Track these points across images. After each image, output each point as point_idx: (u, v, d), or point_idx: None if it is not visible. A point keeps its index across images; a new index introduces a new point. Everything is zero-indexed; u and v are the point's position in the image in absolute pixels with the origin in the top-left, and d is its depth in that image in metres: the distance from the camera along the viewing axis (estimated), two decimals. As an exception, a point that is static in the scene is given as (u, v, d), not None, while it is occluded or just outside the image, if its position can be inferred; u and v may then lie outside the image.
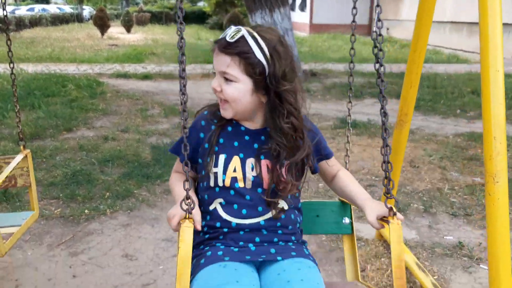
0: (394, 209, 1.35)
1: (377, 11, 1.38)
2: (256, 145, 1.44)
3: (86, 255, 2.73)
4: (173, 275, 2.52)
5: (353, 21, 1.69)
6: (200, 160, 1.46)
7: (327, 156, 1.64)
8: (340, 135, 5.35)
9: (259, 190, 1.42)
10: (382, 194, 1.41)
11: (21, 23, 24.80)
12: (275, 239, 1.43)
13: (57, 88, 7.53)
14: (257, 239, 1.41)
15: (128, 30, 23.83)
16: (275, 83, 1.35)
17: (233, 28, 1.36)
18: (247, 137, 1.46)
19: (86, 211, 3.27)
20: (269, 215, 1.43)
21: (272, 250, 1.40)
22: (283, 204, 1.45)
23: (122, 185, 3.73)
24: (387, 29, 22.71)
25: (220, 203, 1.43)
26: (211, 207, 1.44)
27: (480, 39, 1.71)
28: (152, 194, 3.60)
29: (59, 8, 41.60)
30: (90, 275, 2.52)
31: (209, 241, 1.43)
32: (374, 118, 6.10)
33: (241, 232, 1.41)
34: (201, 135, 1.46)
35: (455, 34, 16.16)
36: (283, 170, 1.41)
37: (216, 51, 1.37)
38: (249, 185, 1.41)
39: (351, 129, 1.87)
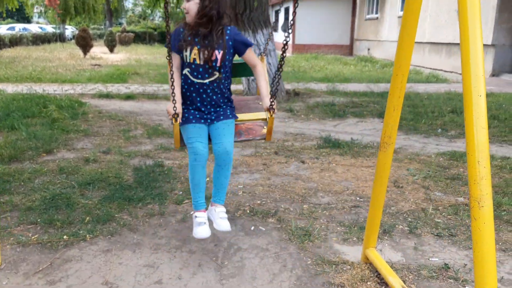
0: (271, 112, 2.77)
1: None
2: (207, 41, 2.76)
3: (64, 283, 2.63)
4: (155, 303, 2.44)
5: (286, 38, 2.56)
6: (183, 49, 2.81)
7: (246, 45, 2.87)
8: (324, 154, 5.35)
9: (206, 66, 2.76)
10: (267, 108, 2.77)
11: (1, 43, 24.58)
12: (212, 110, 2.85)
13: (38, 109, 7.42)
14: (205, 103, 2.84)
15: (111, 50, 23.80)
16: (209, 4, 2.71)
17: None
18: (200, 36, 2.78)
19: (65, 236, 3.18)
20: (210, 78, 2.80)
21: (213, 116, 2.83)
22: (218, 74, 2.80)
23: (102, 208, 3.65)
24: (368, 49, 23.11)
25: (188, 71, 2.81)
26: (184, 72, 2.82)
27: (462, 65, 1.72)
28: (134, 217, 3.52)
29: (40, 28, 41.40)
30: (68, 305, 2.43)
31: (185, 106, 2.87)
32: (357, 138, 6.13)
33: (198, 98, 2.84)
34: (181, 36, 2.79)
35: (434, 55, 16.50)
36: (218, 55, 2.76)
37: None
38: (202, 62, 2.76)
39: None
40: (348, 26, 25.61)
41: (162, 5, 17.39)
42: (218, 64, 2.77)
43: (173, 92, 2.60)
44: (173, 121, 2.69)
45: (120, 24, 53.35)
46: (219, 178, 2.84)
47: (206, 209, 2.92)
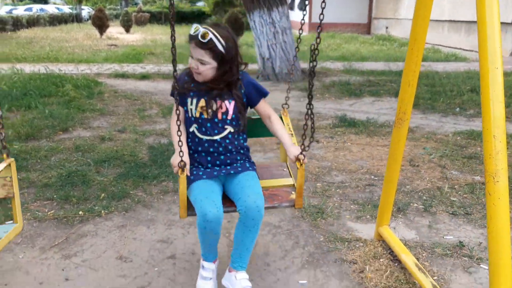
0: (301, 160, 2.21)
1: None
2: (215, 92, 2.28)
3: (79, 257, 2.68)
4: (168, 277, 2.48)
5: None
6: (186, 100, 2.31)
7: (260, 94, 2.40)
8: (339, 134, 5.30)
9: (216, 119, 2.29)
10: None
11: (18, 23, 24.76)
12: (228, 161, 2.33)
13: (54, 88, 7.48)
14: (218, 162, 2.32)
15: (127, 30, 23.77)
16: (228, 61, 2.22)
17: (201, 29, 2.16)
18: (206, 87, 2.30)
19: (80, 212, 3.22)
20: (222, 135, 2.31)
21: (228, 167, 2.33)
22: (230, 129, 2.32)
23: (118, 185, 3.69)
24: (386, 28, 22.70)
25: (195, 127, 2.32)
26: (191, 129, 2.33)
27: (478, 37, 1.66)
28: (148, 194, 3.55)
29: (57, 8, 41.53)
30: (83, 278, 2.48)
31: (192, 162, 2.34)
32: (373, 117, 6.06)
33: (209, 158, 2.32)
34: (184, 86, 2.29)
35: (454, 33, 16.13)
36: (229, 106, 2.29)
37: (193, 44, 2.19)
38: (210, 116, 2.28)
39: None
40: (366, 4, 25.13)
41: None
42: (229, 117, 2.30)
43: (179, 141, 2.11)
44: (179, 173, 2.13)
45: (136, 4, 53.23)
46: (243, 240, 2.21)
47: (216, 260, 2.36)
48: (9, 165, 2.20)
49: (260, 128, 2.59)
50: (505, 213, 1.63)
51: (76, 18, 35.54)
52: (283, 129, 2.42)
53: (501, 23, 1.93)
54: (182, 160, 2.13)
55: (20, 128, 5.13)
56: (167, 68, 10.76)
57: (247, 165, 2.38)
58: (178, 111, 2.18)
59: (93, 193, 3.55)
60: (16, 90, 7.11)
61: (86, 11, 41.51)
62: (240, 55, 2.29)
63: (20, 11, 36.39)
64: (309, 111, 2.18)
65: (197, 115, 2.29)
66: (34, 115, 5.84)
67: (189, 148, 2.35)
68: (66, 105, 6.47)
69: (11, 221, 2.62)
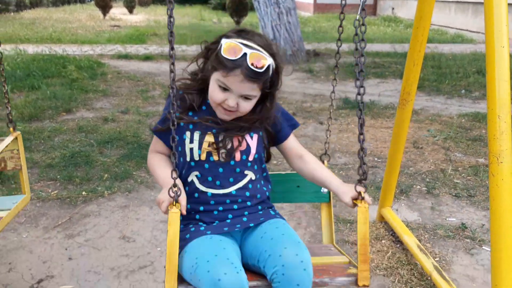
0: (363, 194, 1.47)
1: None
2: (228, 122, 1.56)
3: (82, 237, 2.70)
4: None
5: None
6: (177, 137, 1.45)
7: (291, 125, 1.71)
8: (343, 116, 5.27)
9: (232, 162, 1.55)
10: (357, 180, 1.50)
11: (21, 4, 24.54)
12: (246, 212, 1.58)
13: (57, 69, 7.45)
14: (230, 215, 1.56)
15: (131, 11, 23.59)
16: (274, 89, 1.55)
17: (247, 50, 1.42)
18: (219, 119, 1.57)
19: (83, 193, 3.24)
20: (239, 185, 1.57)
21: (244, 219, 1.57)
22: (251, 175, 1.59)
23: (120, 166, 3.69)
24: (392, 8, 22.39)
25: (196, 176, 1.56)
26: (189, 179, 1.57)
27: (485, 15, 1.63)
28: (151, 175, 3.56)
29: (60, -11, 41.17)
30: (86, 257, 2.49)
31: (189, 220, 1.57)
32: (378, 99, 6.02)
33: (215, 212, 1.56)
34: (177, 114, 1.44)
35: (460, 14, 15.89)
36: (251, 142, 1.58)
37: (242, 78, 1.42)
38: (222, 158, 1.54)
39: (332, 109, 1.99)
40: (372, -15, 24.78)
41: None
42: (251, 158, 1.58)
43: (164, 166, 1.59)
44: (170, 209, 1.37)
45: (140, -16, 52.73)
46: None
47: None
48: (16, 138, 2.24)
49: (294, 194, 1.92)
50: (509, 195, 1.61)
51: (79, -1, 35.26)
52: (323, 168, 1.66)
53: (509, 4, 1.89)
54: (175, 185, 1.37)
55: (23, 109, 5.13)
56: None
57: (272, 213, 1.64)
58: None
59: (96, 173, 3.56)
60: (19, 71, 7.09)
61: (89, -9, 41.15)
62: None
63: (23, -9, 36.09)
64: (361, 133, 1.59)
65: (203, 157, 1.53)
66: (38, 96, 5.83)
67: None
68: (69, 86, 6.45)
69: None
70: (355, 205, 1.49)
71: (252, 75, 1.42)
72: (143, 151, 4.00)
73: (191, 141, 1.54)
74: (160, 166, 1.61)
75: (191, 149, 1.54)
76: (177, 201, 1.39)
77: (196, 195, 1.56)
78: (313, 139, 4.46)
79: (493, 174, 1.61)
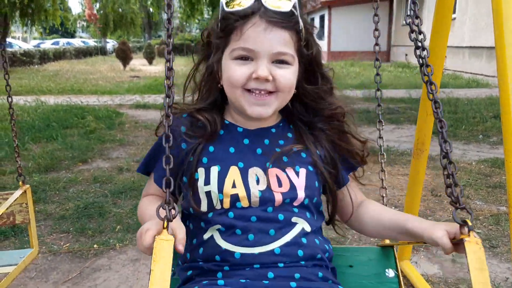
0: (469, 223, 1.00)
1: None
2: (259, 150, 1.13)
3: (92, 292, 2.65)
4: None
5: (376, 44, 1.64)
6: (184, 179, 1.10)
7: (356, 160, 1.25)
8: (358, 163, 5.21)
9: (269, 208, 1.08)
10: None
11: (45, 57, 25.55)
12: (297, 275, 1.05)
13: (76, 120, 7.62)
14: (271, 275, 1.03)
15: (150, 62, 24.33)
16: (315, 63, 1.17)
17: None
18: (246, 140, 1.15)
19: (95, 245, 3.20)
20: (285, 239, 1.06)
21: (293, 284, 1.03)
22: (303, 225, 1.09)
23: (133, 217, 3.66)
24: (406, 54, 22.64)
25: (218, 230, 1.08)
26: (206, 236, 1.08)
27: (497, 63, 1.61)
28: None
29: (83, 42, 42.94)
30: (95, 314, 2.43)
31: (201, 277, 1.08)
32: (394, 145, 5.96)
33: (248, 268, 1.04)
34: (183, 145, 1.11)
35: (475, 59, 15.97)
36: (296, 180, 1.10)
37: (264, 24, 1.04)
38: (255, 203, 1.08)
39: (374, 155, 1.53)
40: (384, 32, 25.19)
41: (196, 16, 17.54)
42: (300, 201, 1.14)
43: (167, 177, 0.96)
44: (158, 237, 0.94)
45: (159, 36, 54.59)
46: None
47: None
48: (25, 191, 2.24)
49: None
50: (532, 250, 1.53)
51: (101, 51, 36.59)
52: (397, 212, 1.29)
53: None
54: (168, 201, 0.92)
55: (40, 160, 5.20)
56: (189, 98, 10.84)
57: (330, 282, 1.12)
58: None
59: (108, 225, 3.53)
60: (38, 122, 7.26)
61: (111, 44, 42.70)
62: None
63: (48, 45, 37.69)
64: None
65: (226, 205, 1.09)
66: (55, 146, 5.93)
67: (197, 268, 1.11)
68: (86, 136, 6.56)
69: None
70: (456, 245, 0.98)
71: (277, 16, 1.05)
72: (156, 201, 3.98)
73: (207, 182, 1.09)
74: (149, 206, 1.16)
75: (208, 193, 1.09)
76: (170, 221, 0.90)
77: (217, 257, 1.06)
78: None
79: (514, 229, 1.53)
